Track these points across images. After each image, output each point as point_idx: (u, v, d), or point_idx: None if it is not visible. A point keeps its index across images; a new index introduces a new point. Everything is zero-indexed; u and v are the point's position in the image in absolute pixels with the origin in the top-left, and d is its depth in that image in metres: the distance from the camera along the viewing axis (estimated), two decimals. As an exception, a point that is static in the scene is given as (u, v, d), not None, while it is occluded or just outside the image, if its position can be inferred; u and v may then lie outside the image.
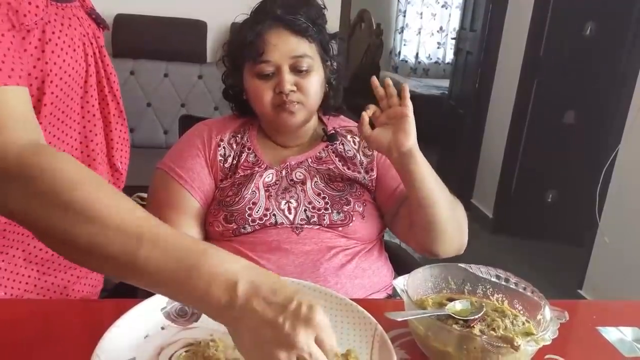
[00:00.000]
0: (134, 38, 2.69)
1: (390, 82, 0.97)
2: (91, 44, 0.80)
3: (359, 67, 4.78)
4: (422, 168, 0.97)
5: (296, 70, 1.03)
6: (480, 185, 3.56)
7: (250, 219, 1.00)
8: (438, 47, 6.44)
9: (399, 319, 0.67)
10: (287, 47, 1.02)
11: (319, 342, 0.52)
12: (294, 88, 1.02)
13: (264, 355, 0.51)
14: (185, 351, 0.66)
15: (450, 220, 1.01)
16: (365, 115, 0.97)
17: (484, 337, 0.64)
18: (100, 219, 0.54)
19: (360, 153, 1.12)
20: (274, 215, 1.01)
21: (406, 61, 6.40)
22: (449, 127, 4.01)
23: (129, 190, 1.63)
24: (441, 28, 6.36)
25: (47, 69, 0.70)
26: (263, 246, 1.00)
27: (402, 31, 6.29)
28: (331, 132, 1.13)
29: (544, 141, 3.09)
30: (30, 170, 0.55)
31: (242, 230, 1.01)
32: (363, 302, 0.76)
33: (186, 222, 1.04)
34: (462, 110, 3.75)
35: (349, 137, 1.14)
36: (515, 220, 3.23)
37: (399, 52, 6.36)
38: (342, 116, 1.21)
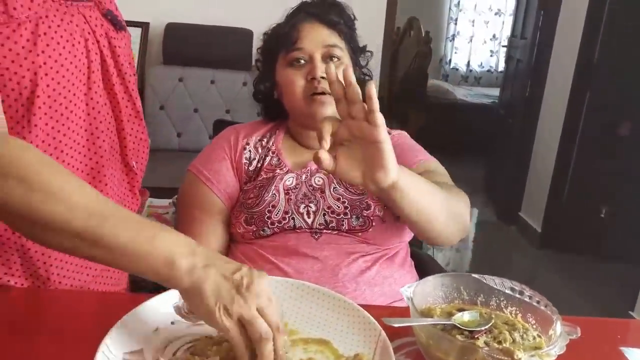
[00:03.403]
0: (184, 46, 2.80)
1: (352, 78, 0.69)
2: (97, 42, 0.83)
3: (406, 75, 4.74)
4: (409, 194, 0.80)
5: (328, 59, 1.07)
6: (529, 198, 3.45)
7: (269, 221, 1.02)
8: (491, 55, 6.30)
9: (396, 325, 0.66)
10: (319, 36, 1.07)
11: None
12: (325, 75, 1.04)
13: (226, 307, 0.59)
14: (189, 346, 0.68)
15: (446, 224, 0.93)
16: (322, 153, 0.71)
17: (485, 348, 0.63)
18: (66, 199, 0.62)
19: None
20: (293, 219, 1.02)
21: (457, 69, 6.30)
22: (498, 136, 3.91)
23: (171, 193, 1.69)
24: (494, 36, 6.22)
25: (39, 61, 0.74)
26: (282, 250, 1.02)
27: (453, 39, 6.20)
28: None
29: (597, 153, 2.95)
30: (2, 157, 0.63)
31: (262, 232, 1.02)
32: (372, 309, 0.76)
33: (212, 222, 1.07)
34: (511, 120, 3.64)
35: None
36: (565, 235, 3.09)
37: (450, 60, 6.27)
38: None
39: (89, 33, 0.81)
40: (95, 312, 0.82)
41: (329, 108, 1.05)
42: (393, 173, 0.73)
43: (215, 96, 2.79)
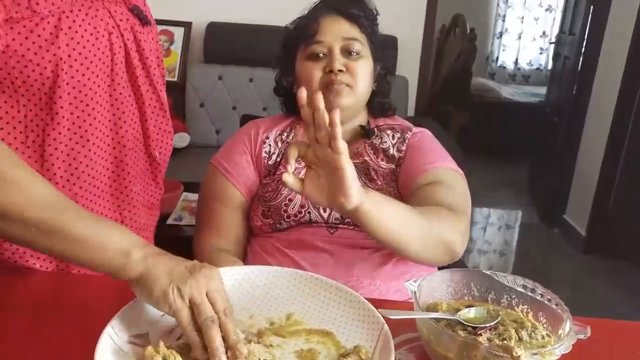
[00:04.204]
0: (224, 45, 2.85)
1: (320, 104, 0.68)
2: (122, 35, 0.86)
3: (450, 73, 4.65)
4: (373, 218, 0.80)
5: (347, 52, 1.07)
6: (574, 200, 3.31)
7: (285, 215, 1.03)
8: (540, 53, 6.09)
9: (392, 317, 0.66)
10: (339, 29, 1.08)
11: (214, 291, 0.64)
12: (343, 68, 1.05)
13: (179, 287, 0.62)
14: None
15: (422, 250, 0.89)
16: (285, 176, 0.75)
17: (485, 345, 0.61)
18: (25, 189, 0.65)
19: (395, 148, 1.11)
20: (309, 212, 1.03)
21: (504, 67, 6.12)
22: (543, 136, 3.77)
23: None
24: (544, 33, 6.01)
25: (60, 53, 0.77)
26: (298, 244, 1.03)
27: (500, 36, 6.03)
28: (370, 127, 1.13)
29: (648, 154, 2.80)
30: None
31: (278, 226, 1.03)
32: (383, 303, 0.75)
33: (232, 214, 1.09)
34: (558, 119, 3.51)
35: (389, 131, 1.13)
36: (611, 240, 2.94)
37: (497, 58, 6.09)
38: (396, 117, 1.21)
39: (113, 27, 0.85)
40: (117, 296, 0.85)
41: (345, 99, 1.05)
42: (354, 199, 0.73)
43: (253, 94, 2.83)
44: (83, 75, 0.80)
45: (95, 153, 0.86)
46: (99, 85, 0.83)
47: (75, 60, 0.79)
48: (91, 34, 0.81)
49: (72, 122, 0.82)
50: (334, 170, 0.71)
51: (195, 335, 0.62)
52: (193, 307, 0.62)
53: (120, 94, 0.88)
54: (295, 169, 1.05)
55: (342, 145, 0.68)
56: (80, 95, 0.81)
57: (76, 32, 0.79)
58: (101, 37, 0.82)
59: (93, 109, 0.84)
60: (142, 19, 0.90)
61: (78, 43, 0.79)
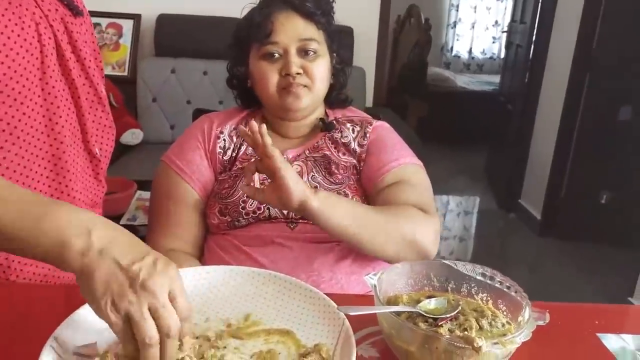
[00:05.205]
0: (176, 37, 2.76)
1: (254, 127, 0.82)
2: (51, 26, 0.81)
3: (406, 64, 4.69)
4: (322, 216, 0.87)
5: (303, 53, 1.03)
6: (528, 185, 3.40)
7: (244, 212, 1.00)
8: (493, 42, 6.22)
9: (352, 313, 0.64)
10: (295, 29, 1.02)
11: (171, 297, 0.55)
12: (301, 71, 1.02)
13: (114, 300, 0.54)
14: (145, 338, 0.66)
15: (384, 247, 0.91)
16: (247, 190, 0.88)
17: (446, 337, 0.60)
18: None
19: (356, 142, 1.09)
20: (268, 209, 1.00)
21: (459, 57, 6.23)
22: (498, 123, 3.86)
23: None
24: (497, 22, 6.14)
25: None
26: (257, 240, 1.00)
27: (454, 26, 6.12)
28: (330, 120, 1.11)
29: (597, 139, 2.90)
30: None
31: (237, 223, 1.00)
32: (345, 297, 0.73)
33: (186, 213, 1.05)
34: (511, 106, 3.59)
35: (348, 125, 1.11)
36: (566, 222, 3.05)
37: (451, 48, 6.19)
38: (350, 107, 1.19)
39: (40, 17, 0.79)
40: (61, 306, 0.80)
41: (304, 100, 1.03)
42: (295, 196, 0.84)
43: (208, 87, 2.77)
44: (9, 67, 0.75)
45: (28, 151, 0.80)
46: (27, 79, 0.78)
47: (0, 52, 0.73)
48: (16, 24, 0.75)
49: (0, 119, 0.77)
50: (274, 173, 0.83)
51: (132, 350, 0.55)
52: (132, 323, 0.54)
53: (54, 87, 0.82)
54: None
55: (272, 150, 0.81)
56: (7, 89, 0.75)
57: None
58: (27, 28, 0.76)
59: (22, 103, 0.78)
60: (73, 9, 0.84)
61: (2, 34, 0.73)
